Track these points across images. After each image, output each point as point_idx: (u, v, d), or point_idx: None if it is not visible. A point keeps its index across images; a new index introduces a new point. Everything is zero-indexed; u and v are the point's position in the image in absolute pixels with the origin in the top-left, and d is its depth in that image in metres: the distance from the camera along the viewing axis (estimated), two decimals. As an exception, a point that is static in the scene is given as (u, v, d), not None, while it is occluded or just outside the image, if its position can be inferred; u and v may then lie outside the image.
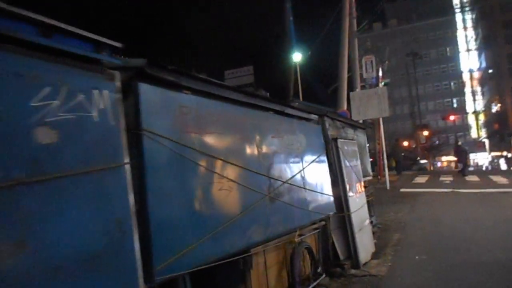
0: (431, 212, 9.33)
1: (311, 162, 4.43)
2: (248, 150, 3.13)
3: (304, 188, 4.06)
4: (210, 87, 2.63)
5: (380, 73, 17.50)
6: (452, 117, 46.97)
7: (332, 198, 4.89)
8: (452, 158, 62.33)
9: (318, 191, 4.47)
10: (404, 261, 5.53)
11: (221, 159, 2.63)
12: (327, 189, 4.83)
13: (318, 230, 4.41)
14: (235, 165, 2.81)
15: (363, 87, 16.44)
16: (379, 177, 15.76)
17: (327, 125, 5.35)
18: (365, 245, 5.62)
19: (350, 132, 6.65)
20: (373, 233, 7.14)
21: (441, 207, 9.93)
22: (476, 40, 57.96)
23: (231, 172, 2.77)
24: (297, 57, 22.35)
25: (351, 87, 15.60)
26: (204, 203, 2.45)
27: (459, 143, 20.26)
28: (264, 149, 3.40)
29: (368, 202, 7.24)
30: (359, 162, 6.20)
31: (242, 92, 3.08)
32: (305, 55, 21.58)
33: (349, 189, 5.47)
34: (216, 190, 2.57)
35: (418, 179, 17.01)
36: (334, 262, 5.10)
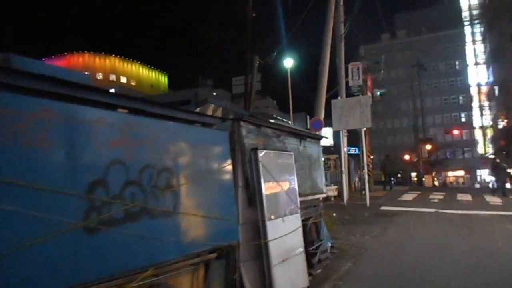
0: (402, 235, 8.27)
1: (200, 177, 3.48)
2: (42, 161, 2.20)
3: (175, 212, 3.10)
4: None
5: (369, 82, 16.48)
6: (455, 132, 45.27)
7: (235, 223, 3.91)
8: (460, 173, 60.82)
9: (209, 215, 3.50)
10: (336, 303, 4.52)
11: None
12: (230, 211, 3.86)
13: (196, 266, 3.41)
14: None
15: (351, 95, 15.44)
16: (363, 192, 14.69)
17: (243, 132, 4.39)
18: (291, 279, 4.62)
19: (291, 142, 5.67)
20: (320, 260, 6.14)
21: (415, 230, 8.86)
22: (484, 53, 56.54)
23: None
24: (288, 63, 21.52)
25: (336, 96, 14.63)
26: None
27: (498, 160, 18.88)
28: (86, 159, 2.46)
29: (315, 223, 6.25)
30: (294, 177, 5.21)
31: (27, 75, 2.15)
32: (297, 61, 20.75)
33: (271, 211, 4.49)
34: None
35: (406, 196, 15.87)
36: (241, 302, 4.11)
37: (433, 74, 64.27)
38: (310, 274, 5.59)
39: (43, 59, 73.41)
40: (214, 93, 57.02)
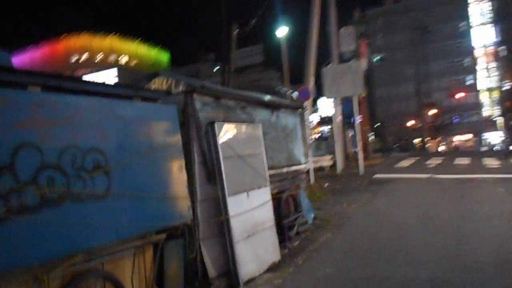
0: (389, 203, 8.12)
1: (140, 155, 3.27)
2: None
3: (108, 194, 2.91)
4: None
5: (363, 47, 15.89)
6: (459, 95, 44.05)
7: (188, 201, 3.73)
8: (467, 137, 60.06)
9: (154, 195, 3.31)
10: (305, 275, 4.38)
11: None
12: (181, 189, 3.67)
13: (141, 248, 3.24)
14: None
15: (346, 62, 14.93)
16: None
17: (198, 105, 4.15)
18: (257, 254, 4.48)
19: (260, 113, 5.41)
20: (298, 233, 6.02)
21: (404, 197, 8.69)
22: (491, 12, 54.57)
23: None
24: (281, 32, 20.88)
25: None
26: None
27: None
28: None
29: (292, 196, 6.09)
30: (262, 150, 4.99)
31: None
32: (301, 30, 20.17)
33: (234, 186, 4.31)
34: None
35: (403, 162, 15.63)
36: (203, 281, 4.00)
37: (438, 37, 62.36)
38: (286, 247, 5.49)
39: (42, 42, 72.64)
40: (216, 68, 56.03)
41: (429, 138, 40.54)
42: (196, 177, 4.08)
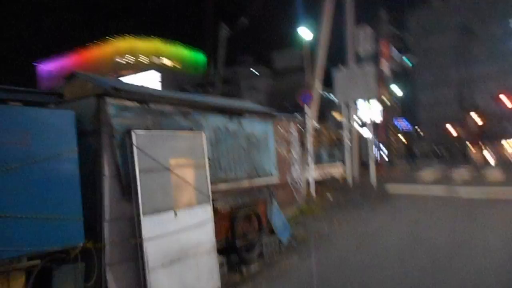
0: (383, 224, 7.23)
1: (5, 170, 2.80)
2: None
3: None
4: None
5: (384, 48, 14.71)
6: (504, 98, 40.28)
7: (81, 222, 3.22)
8: (518, 146, 55.50)
9: (22, 214, 2.84)
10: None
11: None
12: (70, 208, 3.16)
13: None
14: None
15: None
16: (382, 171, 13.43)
17: (112, 110, 3.63)
18: (183, 283, 3.90)
19: (213, 119, 4.81)
20: (262, 254, 5.34)
21: (405, 216, 7.73)
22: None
23: None
24: (305, 34, 20.08)
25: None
26: None
27: None
28: None
29: (255, 213, 5.42)
30: (204, 161, 4.38)
31: None
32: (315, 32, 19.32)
33: (155, 203, 3.76)
34: None
35: (427, 173, 14.27)
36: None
37: (488, 37, 58.34)
38: (240, 272, 4.87)
39: (90, 44, 76.02)
40: (254, 71, 55.82)
41: (471, 146, 37.67)
42: (106, 192, 3.57)
